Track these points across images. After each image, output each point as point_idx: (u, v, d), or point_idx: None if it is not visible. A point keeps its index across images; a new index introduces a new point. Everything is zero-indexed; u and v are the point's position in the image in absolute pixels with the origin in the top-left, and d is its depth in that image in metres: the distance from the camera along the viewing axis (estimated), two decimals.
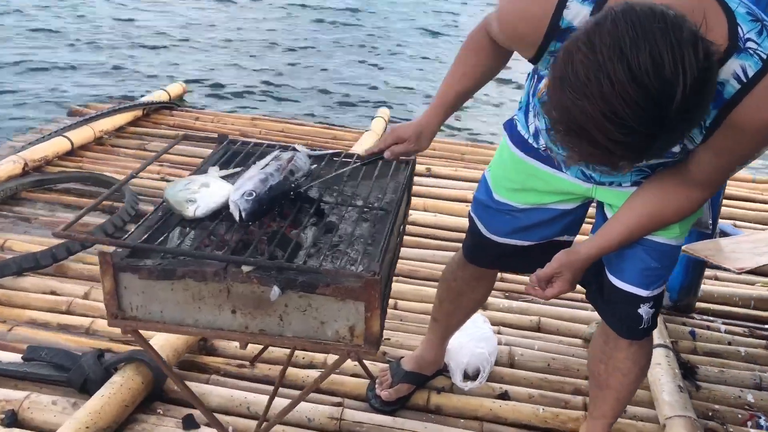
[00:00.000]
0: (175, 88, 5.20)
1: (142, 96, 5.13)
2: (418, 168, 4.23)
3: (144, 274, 1.54)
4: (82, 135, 4.18)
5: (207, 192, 1.67)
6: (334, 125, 5.29)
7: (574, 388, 2.45)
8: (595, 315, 2.85)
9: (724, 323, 2.95)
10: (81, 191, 3.67)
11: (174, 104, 5.00)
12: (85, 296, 2.76)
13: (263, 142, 2.18)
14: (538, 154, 1.84)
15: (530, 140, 1.84)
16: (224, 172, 1.89)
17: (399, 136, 1.84)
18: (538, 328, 2.79)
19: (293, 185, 1.75)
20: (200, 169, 1.95)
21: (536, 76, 1.80)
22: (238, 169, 1.93)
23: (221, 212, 1.68)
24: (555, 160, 1.81)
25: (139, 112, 4.67)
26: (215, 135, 2.21)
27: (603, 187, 1.77)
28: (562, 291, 1.72)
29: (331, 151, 2.10)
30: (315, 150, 2.09)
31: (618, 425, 2.19)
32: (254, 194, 1.62)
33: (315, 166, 1.93)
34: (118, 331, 2.66)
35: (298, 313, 1.54)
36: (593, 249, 1.67)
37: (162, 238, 1.63)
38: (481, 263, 2.12)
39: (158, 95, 4.98)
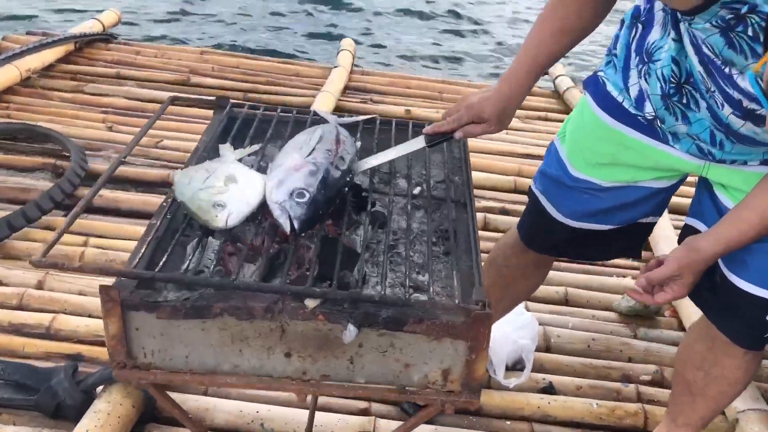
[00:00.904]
0: (108, 17, 4.52)
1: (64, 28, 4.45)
2: (395, 110, 3.84)
3: (165, 312, 1.12)
4: (5, 75, 3.54)
5: (236, 189, 1.24)
6: (295, 60, 4.75)
7: (622, 374, 2.19)
8: (626, 283, 2.60)
9: None
10: (11, 147, 3.09)
11: (110, 36, 4.36)
12: (40, 285, 2.29)
13: (273, 105, 1.73)
14: (636, 121, 1.48)
15: (626, 104, 1.48)
16: (241, 152, 1.45)
17: (477, 114, 1.44)
18: (566, 301, 2.51)
19: (349, 178, 1.33)
20: (205, 148, 1.51)
21: (639, 25, 1.42)
22: (256, 147, 1.49)
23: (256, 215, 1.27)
24: (659, 130, 1.46)
25: (70, 46, 4.02)
26: (211, 97, 1.75)
27: (721, 165, 1.44)
28: (677, 297, 1.40)
29: (363, 117, 1.68)
30: (342, 116, 1.67)
31: None
32: (307, 195, 1.21)
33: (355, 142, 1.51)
34: (85, 327, 2.26)
35: (375, 355, 1.16)
36: (720, 244, 1.35)
37: (188, 259, 1.20)
38: (543, 249, 1.78)
39: (90, 26, 4.32)
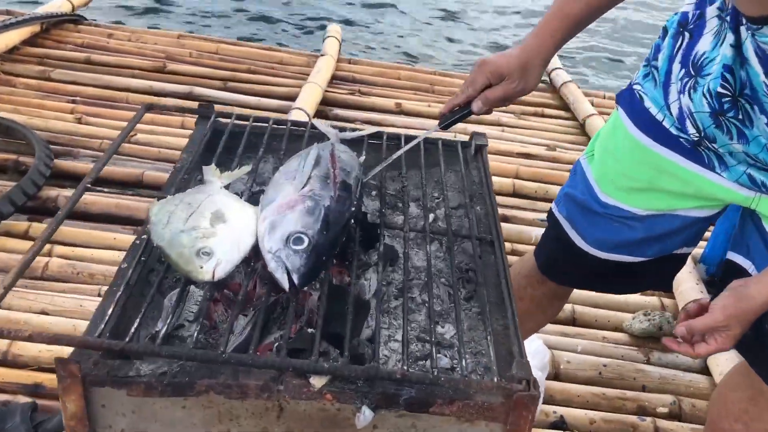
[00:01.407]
0: None
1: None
2: (385, 103, 3.62)
3: (138, 390, 0.91)
4: None
5: (225, 231, 1.03)
6: (279, 47, 4.50)
7: (637, 405, 2.03)
8: (635, 300, 2.43)
9: None
10: None
11: (80, 17, 4.07)
12: None
13: (264, 117, 1.51)
14: (677, 144, 1.29)
15: (667, 123, 1.29)
16: (229, 176, 1.23)
17: (495, 71, 1.22)
18: (573, 320, 2.33)
19: (353, 209, 1.13)
20: (186, 169, 1.29)
21: (686, 34, 1.23)
22: (246, 169, 1.28)
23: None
24: (705, 155, 1.27)
25: (36, 27, 3.73)
26: (193, 104, 1.52)
27: None
28: (721, 350, 1.22)
29: (367, 132, 1.47)
30: (344, 131, 1.46)
31: None
32: (306, 240, 1.00)
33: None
34: (48, 353, 2.04)
35: None
36: None
37: (166, 318, 0.99)
38: (565, 281, 1.60)
39: (58, 5, 4.02)
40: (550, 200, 2.95)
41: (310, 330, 1.06)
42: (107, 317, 0.95)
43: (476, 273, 1.17)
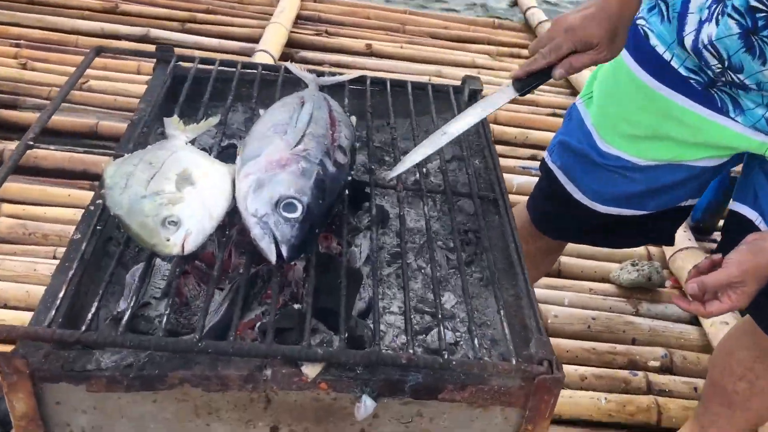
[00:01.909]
0: None
1: None
2: (354, 44, 3.43)
3: (99, 385, 0.78)
4: None
5: (194, 195, 0.88)
6: None
7: (628, 360, 1.95)
8: (623, 250, 2.34)
9: None
10: None
11: None
12: None
13: (231, 60, 1.34)
14: (687, 86, 1.16)
15: (675, 63, 1.16)
16: (195, 129, 1.08)
17: (583, 39, 1.06)
18: (559, 273, 2.24)
19: (349, 178, 0.99)
20: (145, 122, 1.13)
21: None
22: (214, 120, 1.12)
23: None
24: (717, 98, 1.15)
25: None
26: (150, 47, 1.35)
27: None
28: (735, 307, 1.12)
29: (348, 76, 1.31)
30: (322, 75, 1.30)
31: None
32: (299, 207, 0.86)
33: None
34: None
35: (395, 426, 0.85)
36: None
37: (129, 297, 0.85)
38: (561, 235, 1.49)
39: None
40: (531, 146, 2.86)
41: (296, 306, 0.93)
42: (59, 300, 0.80)
43: (479, 235, 1.05)
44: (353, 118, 1.11)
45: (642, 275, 2.16)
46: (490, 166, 1.15)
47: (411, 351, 0.79)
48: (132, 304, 0.80)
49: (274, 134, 0.97)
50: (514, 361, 0.80)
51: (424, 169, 1.20)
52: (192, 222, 0.85)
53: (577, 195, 1.35)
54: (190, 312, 0.94)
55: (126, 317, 0.79)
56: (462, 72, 3.10)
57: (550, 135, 2.87)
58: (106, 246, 0.98)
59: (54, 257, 1.94)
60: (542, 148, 2.73)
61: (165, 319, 0.78)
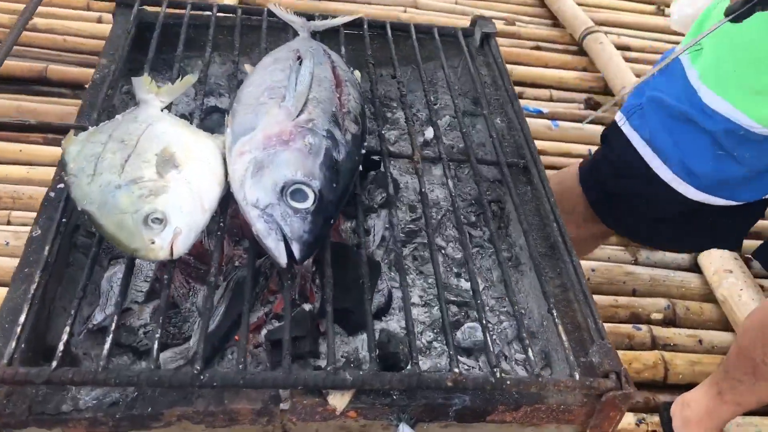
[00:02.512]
0: None
1: None
2: None
3: (79, 428, 0.63)
4: None
5: (181, 182, 0.72)
6: None
7: (630, 313, 1.87)
8: None
9: None
10: None
11: None
12: None
13: (204, 2, 1.14)
14: None
15: None
16: (170, 91, 0.90)
17: None
18: None
19: (363, 151, 0.82)
20: (110, 84, 0.94)
21: None
22: (192, 79, 0.94)
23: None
24: None
25: None
26: None
27: None
28: None
29: (342, 19, 1.13)
30: (312, 18, 1.12)
31: None
32: (311, 194, 0.70)
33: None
34: None
35: None
36: None
37: (105, 305, 0.69)
38: (623, 225, 1.25)
39: None
40: (515, 83, 2.69)
41: (306, 306, 0.78)
42: (19, 326, 0.64)
43: (502, 206, 0.91)
44: (357, 73, 0.94)
45: None
46: (515, 126, 1.00)
47: (457, 370, 0.65)
48: (113, 327, 0.65)
49: (269, 100, 0.80)
50: (577, 376, 0.67)
51: (429, 131, 1.04)
52: (181, 217, 0.68)
53: (664, 173, 1.08)
54: (180, 317, 0.78)
55: (107, 345, 0.63)
56: (438, 2, 2.91)
57: (536, 71, 2.74)
58: (74, 236, 0.82)
59: (8, 222, 1.76)
60: (528, 85, 2.58)
61: (156, 345, 0.63)
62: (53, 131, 0.94)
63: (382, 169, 0.93)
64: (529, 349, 0.69)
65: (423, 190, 0.85)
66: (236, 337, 0.79)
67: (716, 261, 1.94)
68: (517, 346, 0.85)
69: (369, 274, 0.75)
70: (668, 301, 1.91)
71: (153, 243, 0.67)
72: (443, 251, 0.94)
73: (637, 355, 1.74)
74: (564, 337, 0.71)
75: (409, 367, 0.66)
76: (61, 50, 2.30)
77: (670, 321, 1.87)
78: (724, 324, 1.86)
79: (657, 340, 1.80)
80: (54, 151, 1.86)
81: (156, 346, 0.63)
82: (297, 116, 0.77)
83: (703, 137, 1.03)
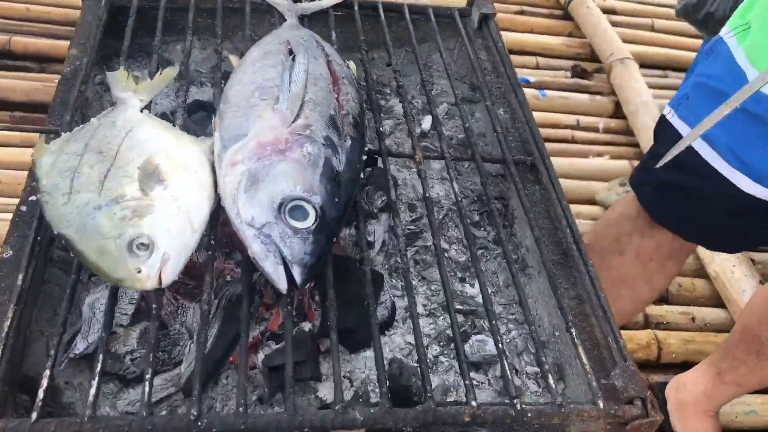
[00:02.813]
0: None
1: None
2: None
3: None
4: None
5: (168, 200, 0.65)
6: None
7: None
8: (608, 166, 2.19)
9: None
10: None
11: None
12: None
13: None
14: None
15: None
16: (149, 87, 0.82)
17: None
18: None
19: (365, 157, 0.76)
20: (83, 79, 0.86)
21: None
22: (173, 72, 0.86)
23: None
24: None
25: None
26: None
27: None
28: None
29: (331, 1, 1.05)
30: (298, 1, 1.04)
31: None
32: (312, 211, 0.64)
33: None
34: None
35: None
36: None
37: (87, 333, 0.63)
38: (691, 234, 1.11)
39: None
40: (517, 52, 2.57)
41: (305, 325, 0.73)
42: None
43: (506, 203, 0.86)
44: (352, 65, 0.87)
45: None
46: (519, 117, 0.94)
47: (474, 404, 0.61)
48: (98, 370, 0.58)
49: (261, 101, 0.73)
50: (601, 404, 0.63)
51: (424, 125, 0.98)
52: (169, 240, 0.62)
53: (717, 163, 0.97)
54: (169, 339, 0.73)
55: (93, 390, 0.57)
56: None
57: (521, 37, 2.66)
58: (49, 250, 0.75)
59: None
60: (515, 52, 2.50)
61: (147, 388, 0.57)
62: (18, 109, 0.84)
63: (379, 164, 0.87)
64: (549, 375, 0.64)
65: (428, 195, 0.79)
66: (231, 359, 0.74)
67: None
68: (527, 358, 0.80)
69: (373, 293, 0.69)
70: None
71: (139, 272, 0.60)
72: (446, 254, 0.89)
73: (630, 334, 1.72)
74: (585, 360, 0.66)
75: (423, 400, 0.61)
76: (25, 20, 2.18)
77: (662, 298, 1.85)
78: (716, 300, 1.84)
79: (650, 319, 1.78)
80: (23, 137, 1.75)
81: (147, 388, 0.57)
82: (293, 122, 0.70)
83: (754, 122, 0.93)
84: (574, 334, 0.69)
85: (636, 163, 2.15)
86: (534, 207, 0.84)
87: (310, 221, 0.64)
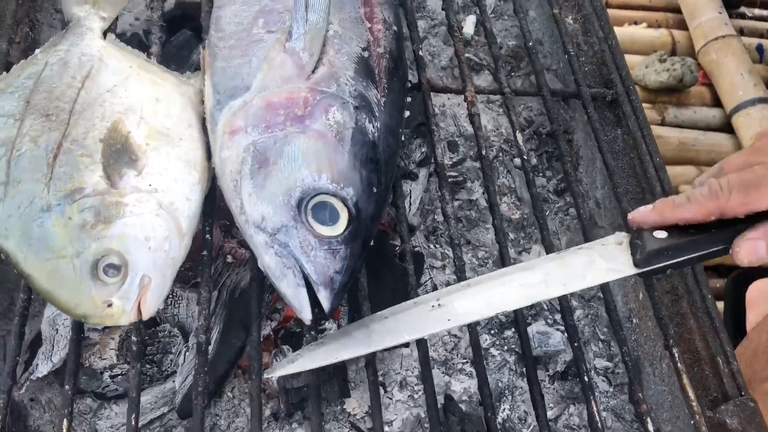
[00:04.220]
0: None
1: None
2: None
3: None
4: None
5: (146, 198, 0.47)
6: None
7: None
8: (640, 36, 1.95)
9: None
10: None
11: None
12: None
13: None
14: None
15: None
16: (113, 6, 0.61)
17: None
18: None
19: (406, 109, 0.57)
20: None
21: None
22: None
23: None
24: None
25: None
26: None
27: None
28: None
29: None
30: None
31: None
32: (344, 212, 0.47)
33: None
34: None
35: None
36: None
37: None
38: None
39: None
40: None
41: (330, 327, 0.58)
42: None
43: (570, 144, 0.68)
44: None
45: (673, 76, 1.80)
46: (593, 28, 0.73)
47: None
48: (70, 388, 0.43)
49: (266, 34, 0.53)
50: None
51: (473, 22, 0.77)
52: (148, 257, 0.45)
53: None
54: (159, 344, 0.57)
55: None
56: None
57: None
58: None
59: None
60: None
61: (134, 414, 0.42)
62: None
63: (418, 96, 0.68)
64: (649, 420, 0.50)
65: (492, 188, 0.61)
66: (239, 367, 0.59)
67: (755, 122, 1.73)
68: (596, 347, 0.66)
69: (416, 282, 0.53)
70: (697, 169, 1.72)
71: (110, 306, 0.44)
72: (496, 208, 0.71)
73: None
74: (691, 394, 0.51)
75: None
76: None
77: None
78: None
79: None
80: None
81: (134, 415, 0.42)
82: (313, 71, 0.50)
83: None
84: (676, 354, 0.53)
85: (679, 33, 1.91)
86: (616, 160, 0.66)
87: (341, 226, 0.46)
